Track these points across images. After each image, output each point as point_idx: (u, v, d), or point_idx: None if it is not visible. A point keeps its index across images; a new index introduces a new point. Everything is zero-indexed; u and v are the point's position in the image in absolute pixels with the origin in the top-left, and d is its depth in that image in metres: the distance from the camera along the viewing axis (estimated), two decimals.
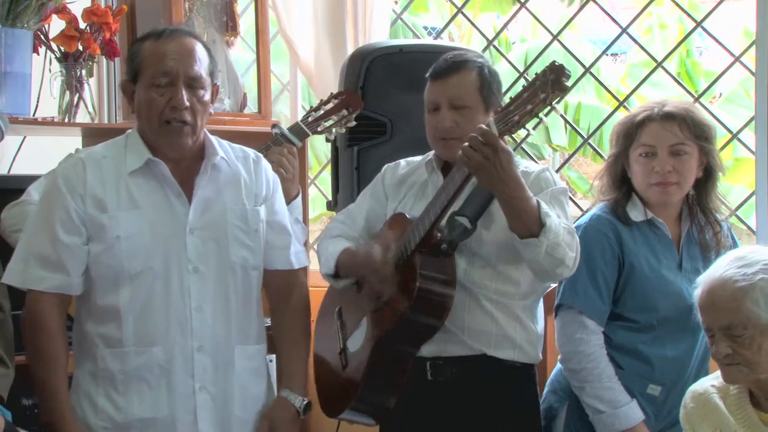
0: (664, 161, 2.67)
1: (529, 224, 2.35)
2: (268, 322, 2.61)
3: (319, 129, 3.05)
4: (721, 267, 2.21)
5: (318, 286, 2.85)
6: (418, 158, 2.76)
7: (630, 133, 2.72)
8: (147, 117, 2.38)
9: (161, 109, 2.35)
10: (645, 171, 2.70)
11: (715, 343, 2.20)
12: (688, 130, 2.68)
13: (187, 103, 2.35)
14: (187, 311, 2.37)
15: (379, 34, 3.98)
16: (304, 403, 2.49)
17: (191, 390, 2.38)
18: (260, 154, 2.57)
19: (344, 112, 3.05)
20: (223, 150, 2.47)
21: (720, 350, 2.19)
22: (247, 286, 2.47)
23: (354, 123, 3.09)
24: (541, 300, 2.70)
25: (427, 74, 2.66)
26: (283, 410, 2.48)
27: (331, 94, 3.11)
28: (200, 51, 2.41)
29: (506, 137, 2.35)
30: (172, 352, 2.36)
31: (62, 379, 2.35)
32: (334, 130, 3.07)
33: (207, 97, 2.41)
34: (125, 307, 2.35)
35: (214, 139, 2.47)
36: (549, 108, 2.26)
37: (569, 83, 2.24)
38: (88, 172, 2.37)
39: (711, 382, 2.29)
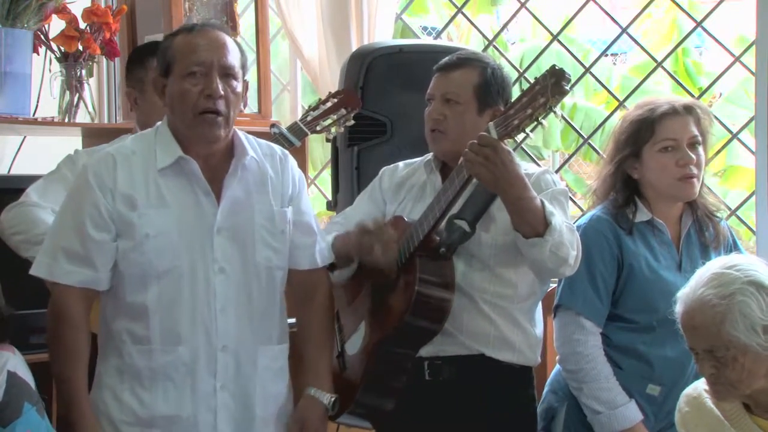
0: (687, 154, 2.68)
1: (534, 224, 2.36)
2: (291, 320, 2.59)
3: (317, 128, 3.05)
4: (699, 285, 2.19)
5: None
6: (417, 160, 2.75)
7: (646, 130, 2.71)
8: (180, 108, 2.35)
9: (195, 98, 2.32)
10: (667, 166, 2.69)
11: (699, 362, 2.21)
12: (701, 123, 2.72)
13: (222, 92, 2.33)
14: (212, 312, 2.36)
15: (383, 34, 3.99)
16: (332, 399, 2.48)
17: (212, 389, 2.37)
18: (287, 152, 2.54)
19: (343, 111, 3.05)
20: (251, 147, 2.44)
21: (704, 370, 2.20)
22: (271, 287, 2.46)
23: (353, 122, 3.09)
24: (540, 303, 2.70)
25: (434, 67, 2.66)
26: (313, 409, 2.47)
27: (330, 93, 3.12)
28: (232, 44, 2.39)
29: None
30: (197, 352, 2.36)
31: (83, 373, 2.34)
32: (332, 129, 3.08)
33: (239, 88, 2.38)
34: (153, 306, 2.34)
35: (242, 135, 2.44)
36: (549, 112, 2.24)
37: (569, 87, 2.23)
38: (119, 167, 2.35)
39: (704, 386, 2.28)
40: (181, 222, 2.35)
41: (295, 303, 2.58)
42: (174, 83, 2.35)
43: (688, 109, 2.72)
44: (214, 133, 2.35)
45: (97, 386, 2.40)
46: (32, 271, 2.37)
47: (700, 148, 2.72)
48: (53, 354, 2.34)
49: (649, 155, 2.71)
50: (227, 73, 2.35)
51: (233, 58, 2.37)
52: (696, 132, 2.71)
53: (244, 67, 2.42)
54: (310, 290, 2.54)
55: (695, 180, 2.71)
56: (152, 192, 2.35)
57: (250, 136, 2.48)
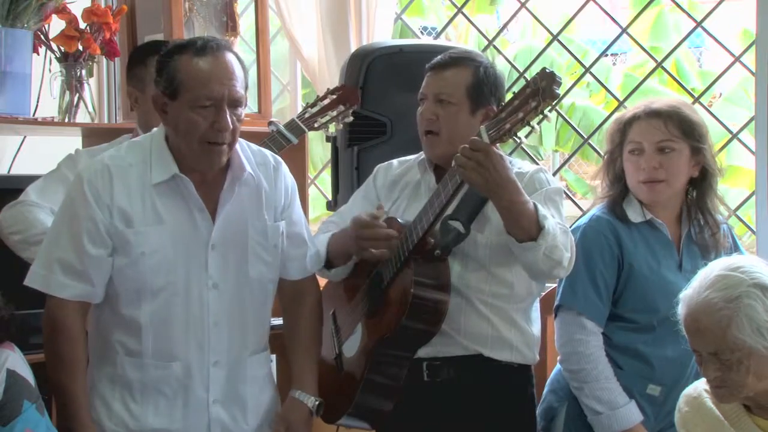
0: (650, 158, 2.68)
1: (527, 228, 2.34)
2: (273, 322, 2.59)
3: (315, 125, 3.03)
4: (704, 287, 2.17)
5: None
6: (411, 157, 2.74)
7: (621, 131, 2.74)
8: (186, 137, 2.32)
9: (204, 130, 2.30)
10: (634, 168, 2.71)
11: (703, 364, 2.20)
12: (675, 127, 2.68)
13: (231, 126, 2.32)
14: (205, 327, 2.37)
15: (383, 34, 3.99)
16: (317, 403, 2.50)
17: (205, 404, 2.39)
18: (280, 159, 2.52)
19: (341, 107, 3.03)
20: (247, 161, 2.42)
21: (709, 373, 2.19)
22: (263, 299, 2.48)
23: (351, 119, 3.07)
24: (537, 302, 2.69)
25: (426, 66, 2.66)
26: (297, 411, 2.49)
27: (328, 89, 3.10)
28: (238, 68, 2.35)
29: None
30: (190, 367, 2.37)
31: (82, 384, 2.34)
32: (331, 126, 3.06)
33: (244, 114, 2.37)
34: (146, 322, 2.34)
35: (238, 147, 2.41)
36: (541, 116, 2.23)
37: (560, 90, 2.21)
38: (115, 181, 2.33)
39: (704, 386, 2.28)
40: (176, 238, 2.35)
41: (283, 308, 2.58)
42: (182, 109, 2.31)
43: (657, 113, 2.70)
44: (218, 162, 2.35)
45: (89, 392, 2.40)
46: (27, 282, 2.36)
47: (675, 154, 2.67)
48: (50, 364, 2.34)
49: (624, 156, 2.74)
50: (235, 105, 2.33)
51: (241, 86, 2.34)
52: (667, 136, 2.67)
53: (246, 87, 2.39)
54: (299, 296, 2.55)
55: (660, 185, 2.69)
56: (148, 208, 2.34)
57: (244, 144, 2.46)
